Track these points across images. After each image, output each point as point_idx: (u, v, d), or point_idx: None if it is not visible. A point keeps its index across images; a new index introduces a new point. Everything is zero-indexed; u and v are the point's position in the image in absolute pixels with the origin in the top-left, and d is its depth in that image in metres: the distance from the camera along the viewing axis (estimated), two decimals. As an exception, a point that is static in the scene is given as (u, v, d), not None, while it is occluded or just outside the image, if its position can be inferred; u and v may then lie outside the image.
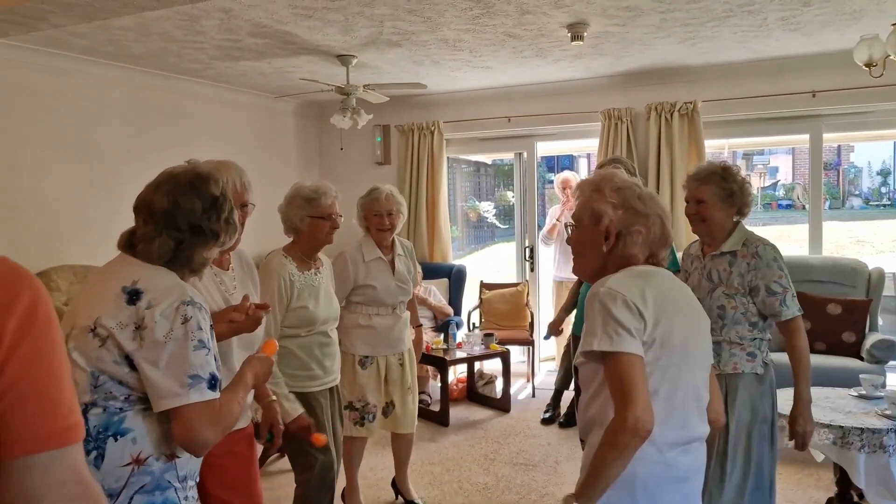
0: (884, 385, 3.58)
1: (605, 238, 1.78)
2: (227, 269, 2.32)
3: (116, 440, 1.54)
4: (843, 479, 3.26)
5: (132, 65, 5.14)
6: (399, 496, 4.02)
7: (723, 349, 2.62)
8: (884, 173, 19.76)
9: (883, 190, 19.51)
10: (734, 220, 2.72)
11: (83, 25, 3.96)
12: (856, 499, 3.30)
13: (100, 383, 1.55)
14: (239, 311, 2.08)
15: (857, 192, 19.93)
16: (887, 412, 3.09)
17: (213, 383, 1.56)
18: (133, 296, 1.57)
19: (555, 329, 4.23)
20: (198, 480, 1.75)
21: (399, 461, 3.98)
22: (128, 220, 1.73)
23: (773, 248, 2.65)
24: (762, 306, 2.60)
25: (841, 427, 2.99)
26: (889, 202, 18.32)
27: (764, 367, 2.65)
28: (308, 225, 3.01)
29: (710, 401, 1.83)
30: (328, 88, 5.25)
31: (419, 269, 3.98)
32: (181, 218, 1.66)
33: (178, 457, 1.63)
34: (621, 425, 1.57)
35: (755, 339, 2.64)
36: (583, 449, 1.85)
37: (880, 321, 5.14)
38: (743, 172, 2.77)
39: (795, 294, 2.61)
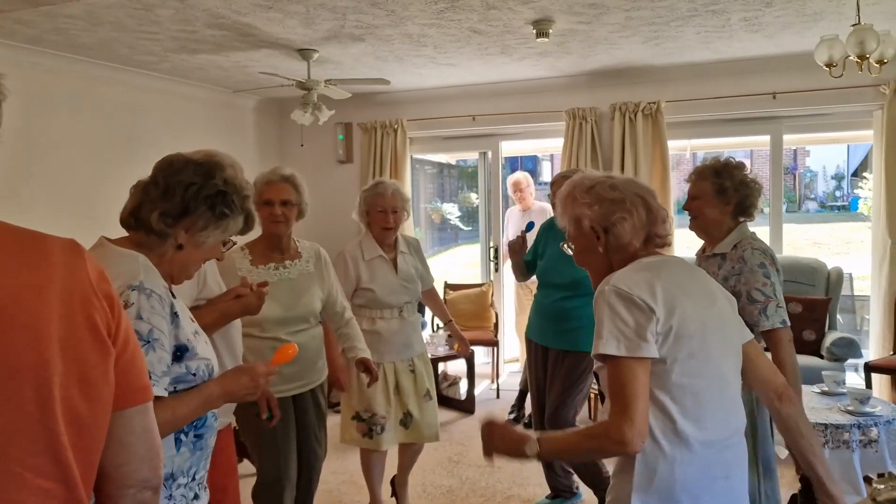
0: (844, 382, 3.61)
1: (597, 238, 1.74)
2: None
3: None
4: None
5: (82, 56, 4.94)
6: (393, 496, 3.84)
7: None
8: (838, 177, 20.28)
9: (837, 193, 20.01)
10: (738, 220, 2.61)
11: (28, 12, 3.79)
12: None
13: None
14: (244, 286, 2.07)
15: (812, 196, 20.40)
16: (850, 408, 3.10)
17: None
18: None
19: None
20: (199, 476, 1.60)
21: (402, 466, 3.76)
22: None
23: (764, 253, 2.51)
24: (742, 314, 2.49)
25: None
26: (843, 205, 18.78)
27: None
28: (259, 214, 2.79)
29: (761, 372, 1.78)
30: (289, 83, 5.13)
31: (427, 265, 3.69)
32: (163, 174, 1.61)
33: None
34: (614, 437, 1.52)
35: None
36: None
37: (839, 320, 5.21)
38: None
39: (783, 305, 2.46)
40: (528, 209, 6.44)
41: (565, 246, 1.85)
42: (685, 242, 4.00)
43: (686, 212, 2.70)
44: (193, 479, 1.58)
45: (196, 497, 1.58)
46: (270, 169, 2.95)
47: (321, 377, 2.98)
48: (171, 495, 1.52)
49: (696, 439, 1.60)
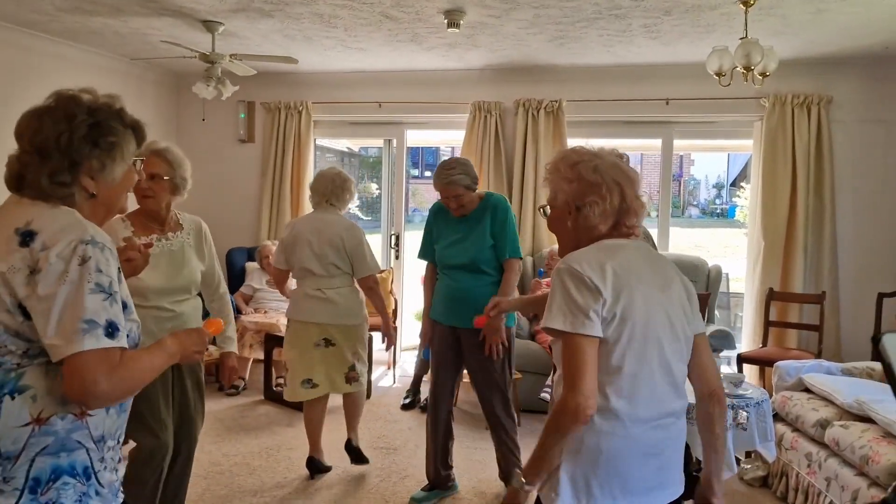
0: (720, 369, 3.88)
1: (569, 214, 1.80)
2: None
3: (13, 398, 1.37)
4: (684, 454, 3.48)
5: (-36, 9, 4.59)
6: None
7: None
8: (718, 186, 21.62)
9: (717, 201, 21.33)
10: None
11: None
12: (695, 473, 3.54)
13: None
14: (132, 250, 1.97)
15: (695, 203, 21.64)
16: (725, 391, 3.33)
17: (111, 331, 1.38)
18: (26, 237, 1.40)
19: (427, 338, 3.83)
20: (121, 438, 1.56)
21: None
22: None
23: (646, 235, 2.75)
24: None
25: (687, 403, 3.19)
26: (721, 212, 20.03)
27: None
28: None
29: (702, 371, 1.83)
30: (191, 55, 4.95)
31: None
32: (27, 136, 1.50)
33: (90, 414, 1.45)
34: (563, 409, 1.60)
35: None
36: None
37: (717, 314, 5.58)
38: None
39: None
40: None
41: (542, 209, 1.91)
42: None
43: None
44: (118, 441, 1.56)
45: (120, 460, 1.55)
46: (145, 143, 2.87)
47: None
48: (102, 458, 1.50)
49: (626, 415, 1.66)
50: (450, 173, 3.47)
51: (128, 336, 1.48)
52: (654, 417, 1.70)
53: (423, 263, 3.83)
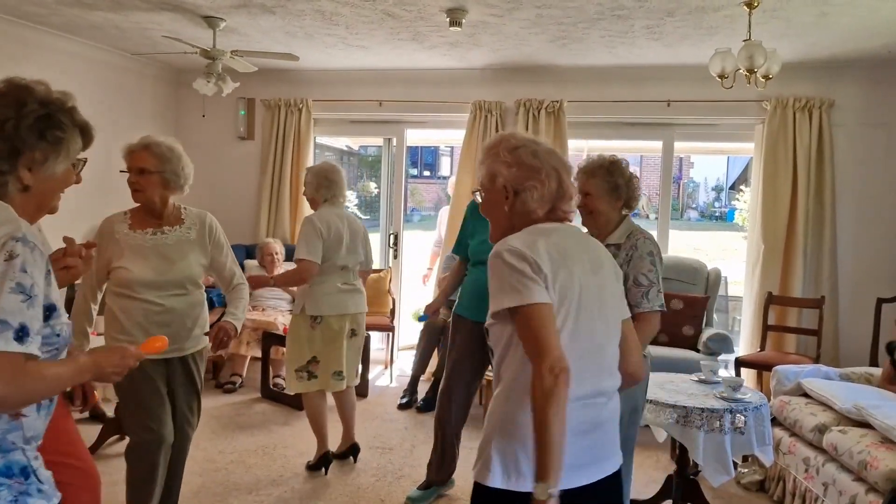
0: (718, 372, 3.87)
1: (506, 198, 1.80)
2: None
3: None
4: (681, 457, 3.47)
5: (-37, 1, 4.57)
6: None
7: None
8: (717, 189, 21.62)
9: (716, 204, 21.33)
10: (622, 213, 2.79)
11: None
12: (692, 476, 3.53)
13: None
14: (72, 255, 1.87)
15: (694, 206, 21.64)
16: (724, 394, 3.33)
17: (21, 335, 1.32)
18: None
19: (433, 310, 4.13)
20: (39, 443, 1.52)
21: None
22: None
23: (653, 243, 2.72)
24: (628, 296, 2.53)
25: (685, 407, 3.18)
26: (720, 215, 20.03)
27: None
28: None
29: (627, 355, 1.85)
30: (192, 51, 4.93)
31: (301, 240, 3.87)
32: None
33: (24, 416, 1.42)
34: (541, 376, 1.57)
35: None
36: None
37: (715, 317, 5.57)
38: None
39: (662, 292, 2.66)
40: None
41: (477, 194, 1.91)
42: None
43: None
44: (38, 441, 1.51)
45: (39, 459, 1.51)
46: (140, 138, 2.92)
47: (196, 345, 2.93)
48: (36, 456, 1.48)
49: None
50: None
51: (58, 336, 1.45)
52: (585, 396, 1.71)
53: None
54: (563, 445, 1.56)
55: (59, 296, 1.47)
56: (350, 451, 4.16)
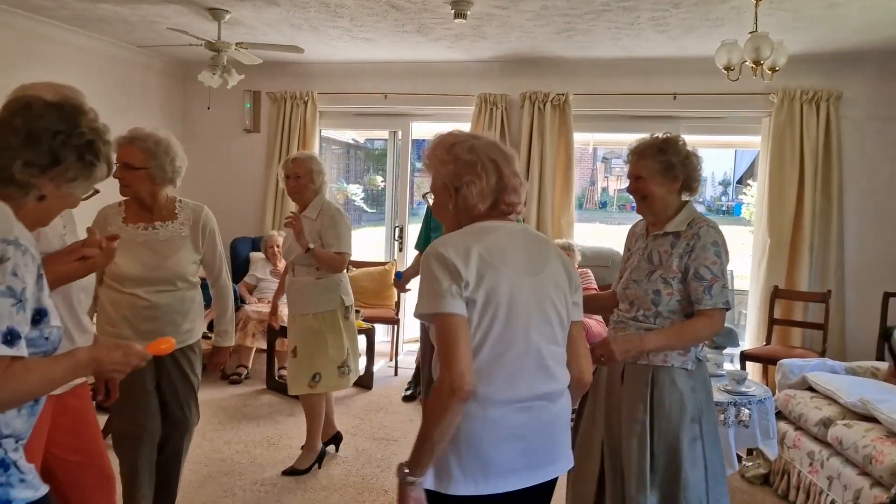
0: (723, 365, 3.87)
1: (449, 196, 1.78)
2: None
3: None
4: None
5: (-30, -6, 4.59)
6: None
7: None
8: (725, 183, 21.53)
9: (723, 199, 21.25)
10: (682, 198, 2.49)
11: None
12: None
13: None
14: (90, 246, 1.87)
15: (701, 200, 21.55)
16: (728, 388, 3.33)
17: (9, 338, 1.32)
18: None
19: (404, 279, 4.14)
20: (24, 441, 1.52)
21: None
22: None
23: (718, 232, 2.41)
24: (689, 290, 2.37)
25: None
26: (727, 209, 19.95)
27: (696, 364, 2.43)
28: None
29: (573, 359, 1.81)
30: (198, 43, 4.94)
31: (336, 231, 3.76)
32: (20, 119, 1.45)
33: None
34: (439, 387, 1.59)
35: None
36: None
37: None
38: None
39: (728, 286, 2.39)
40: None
41: (427, 196, 1.88)
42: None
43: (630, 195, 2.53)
44: (21, 441, 1.51)
45: (19, 451, 1.50)
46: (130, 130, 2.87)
47: (188, 339, 2.89)
48: (17, 449, 1.47)
49: (482, 397, 1.64)
50: None
51: (47, 339, 1.45)
52: (518, 399, 1.69)
53: None
54: (433, 448, 1.61)
55: (50, 300, 1.47)
56: (334, 439, 4.15)
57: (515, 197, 1.80)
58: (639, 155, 2.46)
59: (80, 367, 1.51)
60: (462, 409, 1.61)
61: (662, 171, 2.42)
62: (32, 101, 1.50)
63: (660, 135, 2.50)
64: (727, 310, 2.37)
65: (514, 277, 1.70)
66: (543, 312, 1.75)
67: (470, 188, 1.75)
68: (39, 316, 1.43)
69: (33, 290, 1.39)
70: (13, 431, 1.46)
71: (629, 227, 2.74)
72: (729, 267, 6.22)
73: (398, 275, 4.13)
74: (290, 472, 3.88)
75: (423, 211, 6.23)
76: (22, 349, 1.34)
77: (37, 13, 4.99)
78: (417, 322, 6.40)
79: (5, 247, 1.34)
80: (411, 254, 6.82)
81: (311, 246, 3.66)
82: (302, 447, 3.98)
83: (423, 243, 3.79)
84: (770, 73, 4.07)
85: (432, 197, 1.86)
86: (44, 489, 1.50)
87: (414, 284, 3.84)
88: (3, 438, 1.45)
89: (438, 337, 1.64)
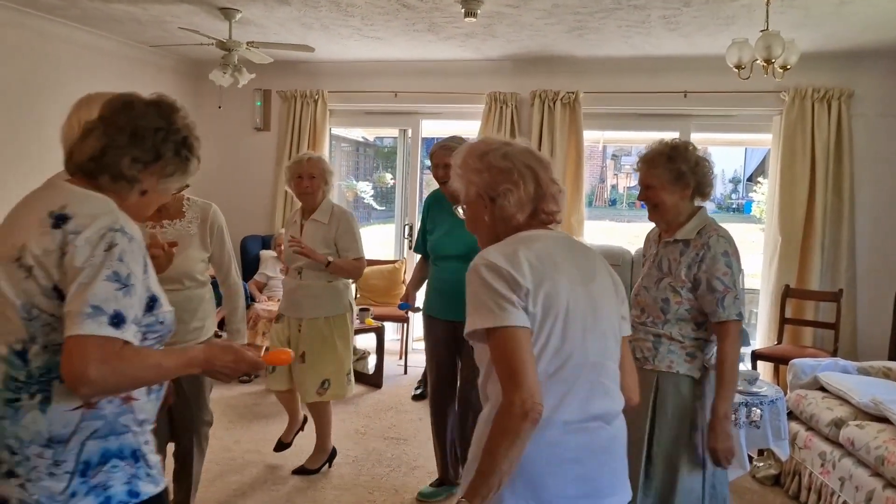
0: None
1: (485, 207, 1.68)
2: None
3: (63, 382, 1.36)
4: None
5: (-17, -6, 4.61)
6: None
7: (661, 344, 2.40)
8: (735, 181, 21.44)
9: (733, 196, 21.16)
10: (694, 203, 2.46)
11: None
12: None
13: (33, 316, 1.40)
14: (155, 247, 1.95)
15: (711, 198, 21.40)
16: (739, 388, 3.31)
17: (116, 321, 1.36)
18: (60, 220, 1.41)
19: (410, 303, 3.99)
20: (152, 426, 1.58)
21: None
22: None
23: (728, 241, 2.39)
24: (701, 302, 2.35)
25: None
26: (738, 207, 19.87)
27: (703, 371, 2.40)
28: None
29: (622, 376, 1.69)
30: (209, 42, 4.96)
31: (353, 236, 3.76)
32: (124, 117, 1.52)
33: (135, 399, 1.48)
34: (509, 409, 1.45)
35: (699, 339, 2.40)
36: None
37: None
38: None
39: (741, 297, 2.36)
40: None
41: (460, 209, 1.78)
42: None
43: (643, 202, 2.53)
44: (151, 424, 1.57)
45: (149, 443, 1.56)
46: None
47: (198, 338, 2.89)
48: (147, 440, 1.53)
49: (542, 418, 1.49)
50: (448, 142, 3.48)
51: (162, 323, 1.50)
52: (576, 420, 1.57)
53: None
54: (501, 480, 1.46)
55: (158, 286, 1.53)
56: (329, 456, 4.04)
57: (555, 205, 1.70)
58: (648, 164, 2.45)
59: (193, 364, 1.55)
60: (532, 434, 1.46)
61: (672, 180, 2.40)
62: (133, 100, 1.57)
63: (668, 141, 2.47)
64: (739, 320, 2.34)
65: (569, 286, 1.59)
66: (598, 325, 1.63)
67: (507, 197, 1.64)
68: (152, 302, 1.49)
69: (141, 277, 1.45)
70: (147, 416, 1.53)
71: (639, 224, 2.72)
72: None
73: (403, 305, 3.99)
74: (301, 471, 3.89)
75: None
76: (129, 333, 1.38)
77: (48, 13, 5.02)
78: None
79: (113, 234, 1.41)
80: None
81: (331, 259, 3.65)
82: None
83: (421, 246, 3.76)
84: (781, 71, 4.06)
85: (465, 209, 1.75)
86: (163, 483, 1.56)
87: (421, 292, 3.82)
88: (139, 426, 1.50)
89: (500, 353, 1.49)
